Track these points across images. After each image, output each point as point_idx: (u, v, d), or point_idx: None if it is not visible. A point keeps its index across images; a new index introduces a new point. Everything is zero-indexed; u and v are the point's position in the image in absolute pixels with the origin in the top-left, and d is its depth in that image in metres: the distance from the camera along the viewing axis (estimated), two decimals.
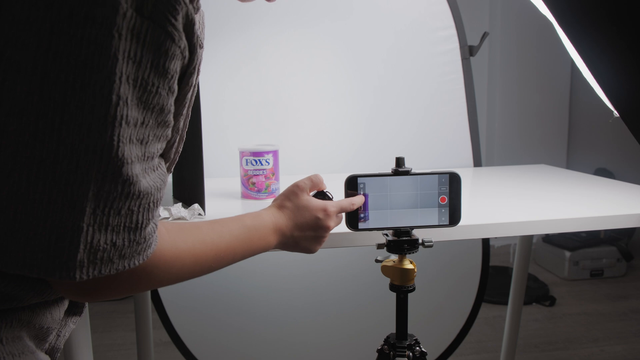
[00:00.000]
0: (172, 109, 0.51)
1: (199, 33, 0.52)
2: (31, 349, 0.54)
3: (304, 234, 0.76)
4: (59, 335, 0.61)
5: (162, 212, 1.01)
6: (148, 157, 0.50)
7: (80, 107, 0.43)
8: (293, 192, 0.78)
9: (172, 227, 0.58)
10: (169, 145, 0.57)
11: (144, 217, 0.49)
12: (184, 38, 0.49)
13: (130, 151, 0.46)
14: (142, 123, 0.47)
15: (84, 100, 0.43)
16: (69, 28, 0.42)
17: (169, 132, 0.53)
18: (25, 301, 0.52)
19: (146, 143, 0.49)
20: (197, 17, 0.51)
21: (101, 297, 0.54)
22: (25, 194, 0.44)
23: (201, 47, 0.59)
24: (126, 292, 0.56)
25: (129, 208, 0.47)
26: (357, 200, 0.82)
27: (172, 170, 0.70)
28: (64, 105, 0.43)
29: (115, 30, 0.43)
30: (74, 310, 0.63)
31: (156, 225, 0.52)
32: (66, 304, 0.60)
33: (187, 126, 0.66)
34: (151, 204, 0.50)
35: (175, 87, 0.50)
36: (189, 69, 0.53)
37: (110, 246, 0.47)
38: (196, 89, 0.65)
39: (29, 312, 0.54)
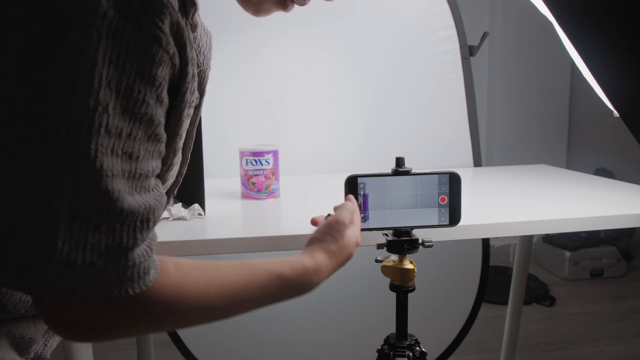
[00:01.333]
0: (163, 120, 0.48)
1: (191, 47, 0.49)
2: (13, 357, 0.53)
3: (343, 253, 0.69)
4: (46, 345, 0.60)
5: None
6: (141, 175, 0.46)
7: (58, 111, 0.41)
8: (339, 231, 0.69)
9: (183, 264, 0.51)
10: (166, 166, 0.54)
11: (130, 237, 0.44)
12: (172, 43, 0.46)
13: (112, 163, 0.43)
14: (130, 135, 0.44)
15: (62, 105, 0.41)
16: (49, 29, 0.40)
17: (162, 148, 0.49)
18: (8, 314, 0.51)
19: (136, 158, 0.45)
20: (186, 32, 0.48)
21: (87, 333, 0.47)
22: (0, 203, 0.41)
23: (209, 67, 0.58)
24: (115, 330, 0.47)
25: (109, 225, 0.43)
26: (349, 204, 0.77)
27: (176, 193, 0.67)
28: (42, 109, 0.41)
29: (95, 31, 0.41)
30: None
31: (151, 249, 0.47)
32: None
33: (192, 148, 0.63)
34: (138, 224, 0.45)
35: (165, 96, 0.47)
36: (184, 84, 0.50)
37: (89, 265, 0.42)
38: (199, 113, 0.62)
39: (10, 322, 0.53)
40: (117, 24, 0.42)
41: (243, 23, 1.56)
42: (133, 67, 0.43)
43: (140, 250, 0.45)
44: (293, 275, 0.59)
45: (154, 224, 0.47)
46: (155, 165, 0.48)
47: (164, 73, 0.46)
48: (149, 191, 0.47)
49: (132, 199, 0.44)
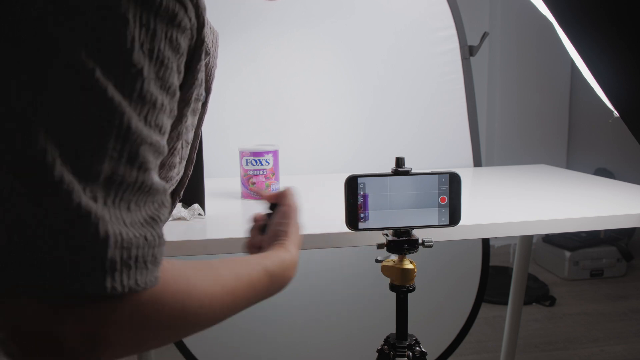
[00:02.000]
0: (178, 94, 0.44)
1: (207, 43, 0.48)
2: None
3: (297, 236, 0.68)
4: None
5: None
6: (164, 152, 0.42)
7: (91, 71, 0.36)
8: (294, 218, 0.69)
9: (175, 261, 0.44)
10: (169, 163, 0.51)
11: (160, 213, 0.40)
12: (194, 12, 0.43)
13: (148, 134, 0.39)
14: (162, 105, 0.41)
15: (96, 68, 0.36)
16: None
17: (169, 126, 0.44)
18: None
19: (163, 134, 0.41)
20: (202, 6, 0.46)
21: (100, 348, 0.36)
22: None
23: (215, 65, 0.56)
24: (118, 342, 0.37)
25: (145, 201, 0.39)
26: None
27: (182, 195, 0.65)
28: (72, 66, 0.36)
29: None
30: None
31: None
32: None
33: (197, 148, 0.60)
34: (164, 203, 0.41)
35: (182, 68, 0.45)
36: (198, 61, 0.47)
37: (143, 240, 0.36)
38: (205, 111, 0.60)
39: None
40: None
41: (243, 23, 1.56)
42: (162, 31, 0.40)
43: (161, 229, 0.40)
44: (275, 268, 0.57)
45: (167, 207, 0.42)
46: (165, 144, 0.43)
47: (185, 42, 0.43)
48: (157, 170, 0.43)
49: (156, 176, 0.40)
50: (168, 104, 0.42)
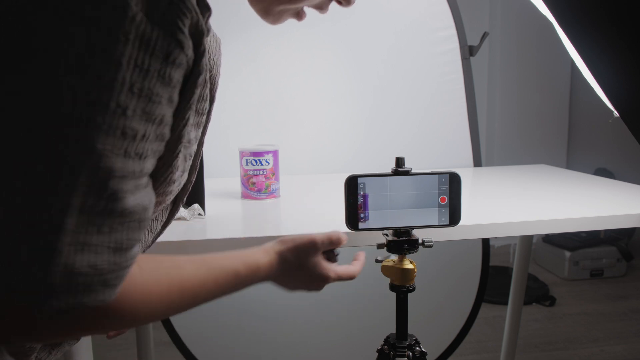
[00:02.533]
0: (171, 120, 0.47)
1: (210, 52, 0.49)
2: None
3: (295, 284, 0.73)
4: (50, 353, 0.59)
5: None
6: (144, 174, 0.46)
7: (77, 112, 0.40)
8: (307, 252, 0.72)
9: (147, 263, 0.51)
10: (164, 178, 0.53)
11: (126, 237, 0.44)
12: (191, 46, 0.46)
13: (123, 165, 0.42)
14: (143, 136, 0.43)
15: (83, 107, 0.40)
16: (76, 30, 0.39)
17: (163, 147, 0.48)
18: None
19: (145, 158, 0.45)
20: (204, 36, 0.48)
21: (47, 337, 0.46)
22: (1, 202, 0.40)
23: (219, 73, 0.57)
24: (75, 334, 0.48)
25: (110, 226, 0.42)
26: (356, 271, 0.79)
27: (185, 200, 0.67)
28: (55, 107, 0.40)
29: (122, 34, 0.40)
30: None
31: (138, 250, 0.47)
32: None
33: (200, 156, 0.62)
34: (136, 223, 0.45)
35: (176, 97, 0.47)
36: (194, 85, 0.49)
37: (92, 269, 0.41)
38: (209, 119, 0.62)
39: None
40: (144, 28, 0.41)
41: (243, 23, 1.56)
42: (155, 70, 0.42)
43: (134, 250, 0.45)
44: (247, 272, 0.63)
45: (146, 224, 0.47)
46: (153, 162, 0.48)
47: (179, 75, 0.46)
48: (143, 188, 0.46)
49: (132, 199, 0.44)
50: (153, 132, 0.45)
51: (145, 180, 0.47)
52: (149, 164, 0.47)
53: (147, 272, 0.50)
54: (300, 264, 0.71)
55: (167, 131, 0.47)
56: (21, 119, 0.40)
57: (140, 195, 0.46)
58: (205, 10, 0.48)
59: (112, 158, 0.41)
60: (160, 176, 0.52)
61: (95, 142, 0.40)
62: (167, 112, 0.46)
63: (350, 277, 0.78)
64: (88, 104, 0.40)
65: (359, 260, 0.81)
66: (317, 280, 0.73)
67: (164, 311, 0.52)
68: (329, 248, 0.76)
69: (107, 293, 0.43)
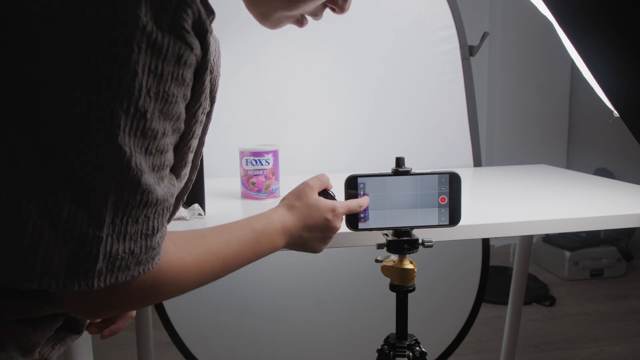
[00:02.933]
0: (184, 114, 0.52)
1: (210, 51, 0.52)
2: (17, 358, 0.53)
3: (312, 234, 0.76)
4: (53, 348, 0.60)
5: None
6: (166, 166, 0.51)
7: (102, 118, 0.44)
8: (303, 191, 0.77)
9: (178, 239, 0.57)
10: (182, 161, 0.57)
11: (158, 223, 0.50)
12: (198, 45, 0.49)
13: (150, 162, 0.47)
14: (164, 134, 0.48)
15: (104, 115, 0.44)
16: (90, 43, 0.43)
17: (178, 137, 0.53)
18: (5, 317, 0.51)
19: (165, 152, 0.50)
20: (209, 33, 0.51)
21: (106, 312, 0.54)
22: (46, 207, 0.44)
23: (219, 74, 0.58)
24: (131, 307, 0.56)
25: (145, 215, 0.48)
26: (364, 202, 0.82)
27: (185, 199, 0.70)
28: (85, 120, 0.43)
29: (135, 44, 0.43)
30: (74, 328, 0.62)
31: (166, 231, 0.52)
32: (60, 320, 0.58)
33: (201, 155, 0.67)
34: (165, 210, 0.50)
35: (189, 93, 0.51)
36: (202, 77, 0.53)
37: (129, 254, 0.47)
38: (210, 120, 0.65)
39: (16, 323, 0.53)
40: (155, 36, 0.44)
41: (243, 23, 1.56)
42: (169, 73, 0.47)
43: (161, 232, 0.51)
44: (264, 226, 0.69)
45: (171, 209, 0.52)
46: (172, 155, 0.52)
47: (191, 73, 0.50)
48: (164, 178, 0.51)
49: (160, 189, 0.49)
50: (171, 127, 0.50)
51: (167, 170, 0.52)
52: (170, 156, 0.52)
53: (180, 247, 0.56)
54: (306, 204, 0.75)
55: (182, 125, 0.52)
56: (52, 134, 0.44)
57: (166, 184, 0.51)
58: (210, 13, 0.51)
59: (139, 157, 0.46)
60: (174, 170, 0.57)
61: (122, 145, 0.44)
62: (182, 108, 0.50)
63: (358, 206, 0.82)
64: (111, 112, 0.44)
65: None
66: (327, 213, 0.76)
67: (199, 278, 0.58)
68: (321, 187, 0.80)
69: (139, 269, 0.49)
